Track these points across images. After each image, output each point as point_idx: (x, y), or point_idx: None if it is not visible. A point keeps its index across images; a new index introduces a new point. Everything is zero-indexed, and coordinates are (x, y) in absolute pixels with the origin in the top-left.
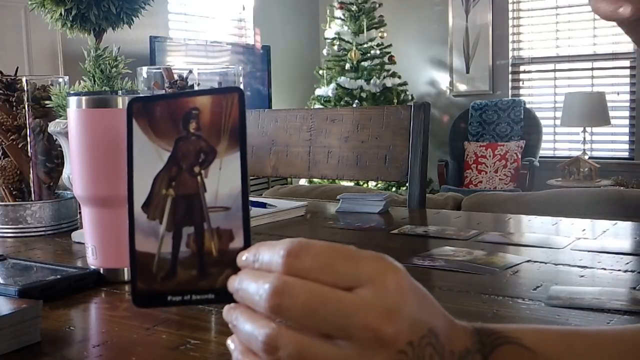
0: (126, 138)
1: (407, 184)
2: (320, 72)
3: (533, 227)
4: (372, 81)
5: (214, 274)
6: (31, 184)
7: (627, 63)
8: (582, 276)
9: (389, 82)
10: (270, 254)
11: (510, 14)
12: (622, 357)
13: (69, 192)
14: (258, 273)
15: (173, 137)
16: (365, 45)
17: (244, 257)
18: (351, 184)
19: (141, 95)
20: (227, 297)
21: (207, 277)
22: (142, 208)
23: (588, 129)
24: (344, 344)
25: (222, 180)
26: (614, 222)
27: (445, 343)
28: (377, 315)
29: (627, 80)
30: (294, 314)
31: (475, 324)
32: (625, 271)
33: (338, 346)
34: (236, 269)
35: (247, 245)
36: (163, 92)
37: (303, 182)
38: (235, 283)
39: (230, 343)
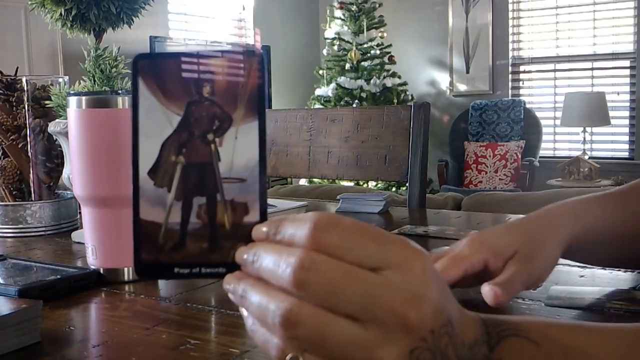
0: (132, 97)
1: (407, 184)
2: (320, 72)
3: None
4: (372, 81)
5: (226, 247)
6: (31, 184)
7: (627, 63)
8: (582, 276)
9: (389, 82)
10: (294, 226)
11: (510, 14)
12: (627, 352)
13: (69, 192)
14: (279, 247)
15: (184, 100)
16: (365, 45)
17: (264, 229)
18: (351, 184)
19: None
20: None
21: (218, 250)
22: (149, 174)
23: (588, 129)
24: (367, 326)
25: (237, 150)
26: None
27: (458, 333)
28: (404, 299)
29: (627, 80)
30: (319, 290)
31: (482, 314)
32: (625, 271)
33: (360, 328)
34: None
35: (263, 219)
36: None
37: (303, 182)
38: (250, 255)
39: (244, 310)
